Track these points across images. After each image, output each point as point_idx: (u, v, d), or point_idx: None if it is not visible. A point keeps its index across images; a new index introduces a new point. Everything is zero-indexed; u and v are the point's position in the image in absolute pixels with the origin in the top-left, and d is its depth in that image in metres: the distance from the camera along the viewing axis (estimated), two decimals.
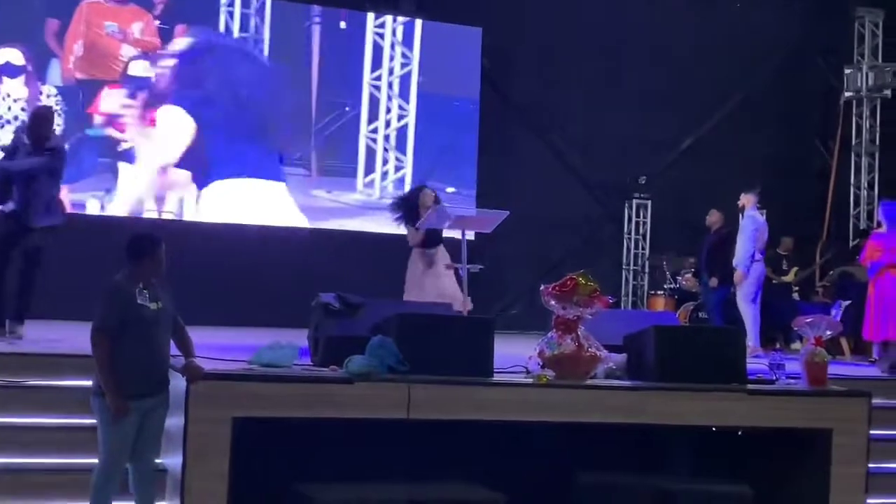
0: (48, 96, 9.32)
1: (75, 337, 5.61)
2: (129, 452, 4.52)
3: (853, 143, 13.35)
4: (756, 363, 6.08)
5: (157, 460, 4.76)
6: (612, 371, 5.43)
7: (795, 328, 5.75)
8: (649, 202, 13.04)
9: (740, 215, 9.96)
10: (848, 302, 9.70)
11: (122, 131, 10.21)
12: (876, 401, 6.03)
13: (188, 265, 8.43)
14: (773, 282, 11.37)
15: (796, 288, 11.53)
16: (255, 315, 9.46)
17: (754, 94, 13.13)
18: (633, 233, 13.12)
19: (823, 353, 5.54)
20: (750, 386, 5.42)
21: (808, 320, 5.61)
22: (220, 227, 10.72)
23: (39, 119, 6.73)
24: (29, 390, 5.33)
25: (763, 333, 10.98)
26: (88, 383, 4.70)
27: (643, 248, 13.13)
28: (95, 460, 4.59)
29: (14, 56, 8.85)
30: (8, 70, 8.96)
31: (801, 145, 13.65)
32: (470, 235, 8.71)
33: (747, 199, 9.78)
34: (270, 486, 4.80)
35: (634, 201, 13.06)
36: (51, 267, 6.83)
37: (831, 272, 11.74)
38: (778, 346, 10.52)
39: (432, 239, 7.80)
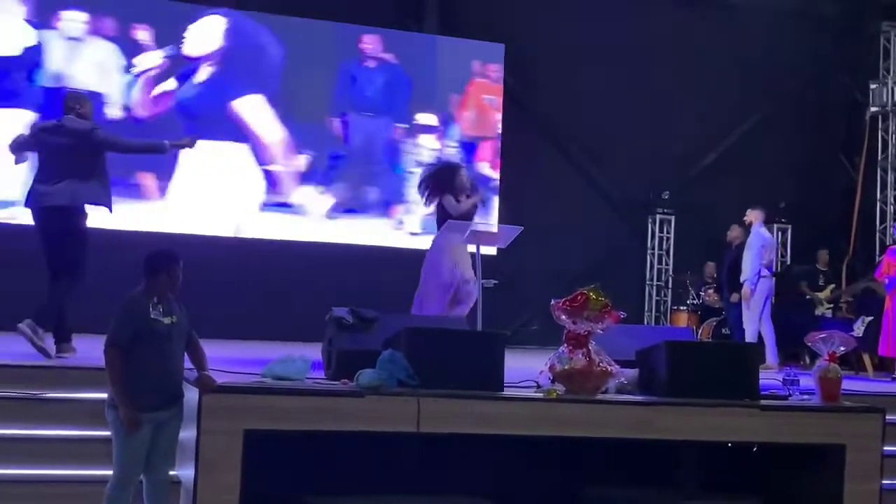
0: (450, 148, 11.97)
1: (91, 349, 5.70)
2: (142, 464, 4.60)
3: (879, 158, 13.26)
4: (770, 379, 6.06)
5: (171, 472, 4.84)
6: (623, 386, 5.43)
7: (809, 344, 5.73)
8: (673, 217, 13.04)
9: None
10: (871, 318, 9.70)
11: None
12: (892, 417, 6.01)
13: (202, 278, 8.54)
14: (808, 297, 11.30)
15: (830, 305, 11.42)
16: (269, 328, 9.57)
17: (779, 109, 13.11)
18: (656, 248, 13.12)
19: (837, 369, 5.53)
20: (762, 401, 5.41)
21: (821, 336, 5.60)
22: (236, 241, 10.86)
23: (81, 99, 6.86)
24: (44, 402, 5.42)
25: (785, 349, 10.95)
26: (102, 396, 4.78)
27: (666, 264, 13.11)
28: (109, 472, 4.67)
29: (431, 119, 11.91)
30: (426, 129, 11.90)
31: (826, 161, 13.60)
32: (491, 250, 8.77)
33: (754, 216, 9.81)
34: (281, 499, 4.84)
35: (658, 216, 13.06)
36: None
37: (855, 287, 11.66)
38: (802, 362, 10.56)
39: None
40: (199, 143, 7.25)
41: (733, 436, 5.33)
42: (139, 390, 4.53)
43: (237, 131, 11.21)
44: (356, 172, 11.72)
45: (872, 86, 13.14)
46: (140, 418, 4.52)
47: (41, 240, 6.56)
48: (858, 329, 9.69)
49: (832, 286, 11.40)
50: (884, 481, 5.45)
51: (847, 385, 5.92)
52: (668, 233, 13.10)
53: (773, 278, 10.15)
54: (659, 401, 5.25)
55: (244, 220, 11.11)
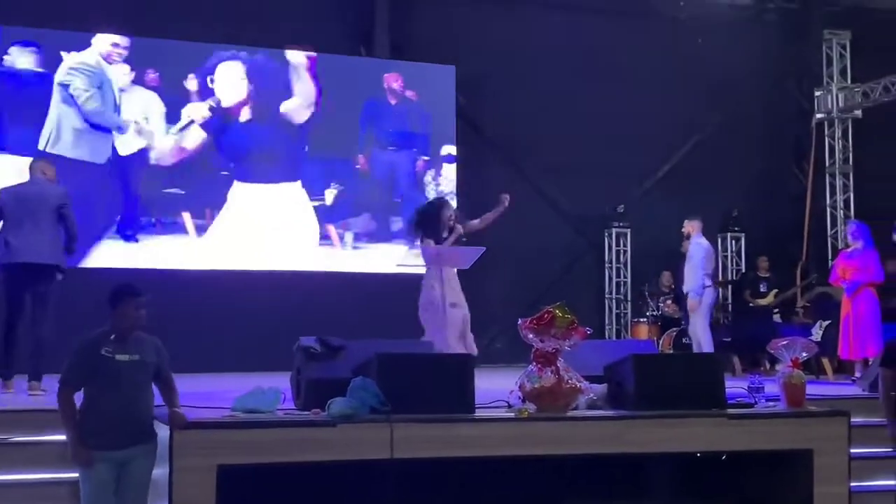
0: None
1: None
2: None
3: (827, 164, 13.53)
4: (735, 387, 6.14)
5: None
6: (593, 402, 5.47)
7: (771, 351, 5.82)
8: (629, 231, 13.17)
9: (686, 242, 10.06)
10: (828, 322, 9.86)
11: None
12: (856, 419, 6.10)
13: (169, 312, 8.50)
14: (751, 304, 11.48)
15: (776, 310, 11.63)
16: (238, 360, 9.51)
17: (729, 119, 13.33)
18: (613, 262, 13.24)
19: (800, 375, 5.62)
20: (730, 410, 5.48)
21: (783, 343, 5.69)
22: (201, 273, 10.83)
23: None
24: (11, 446, 5.34)
25: (745, 356, 11.10)
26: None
27: (625, 277, 13.24)
28: None
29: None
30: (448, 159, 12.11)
31: (776, 168, 13.85)
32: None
33: (692, 227, 9.90)
34: None
35: (614, 230, 13.19)
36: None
37: (810, 293, 11.86)
38: (762, 368, 10.70)
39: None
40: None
41: (703, 445, 5.39)
42: (95, 429, 4.51)
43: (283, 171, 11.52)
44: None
45: (817, 93, 13.42)
46: (89, 456, 4.48)
47: None
48: (817, 333, 9.85)
49: (775, 291, 11.57)
50: (852, 483, 5.54)
51: (809, 389, 6.02)
52: (624, 246, 13.24)
53: (716, 288, 10.27)
54: (628, 414, 5.30)
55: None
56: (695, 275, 9.65)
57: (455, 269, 7.58)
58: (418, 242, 7.68)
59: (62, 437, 5.09)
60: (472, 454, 4.94)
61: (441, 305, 7.32)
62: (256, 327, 10.28)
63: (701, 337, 9.61)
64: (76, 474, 4.66)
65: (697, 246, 9.81)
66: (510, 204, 7.93)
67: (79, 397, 4.64)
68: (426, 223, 7.73)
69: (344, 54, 11.99)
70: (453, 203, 7.74)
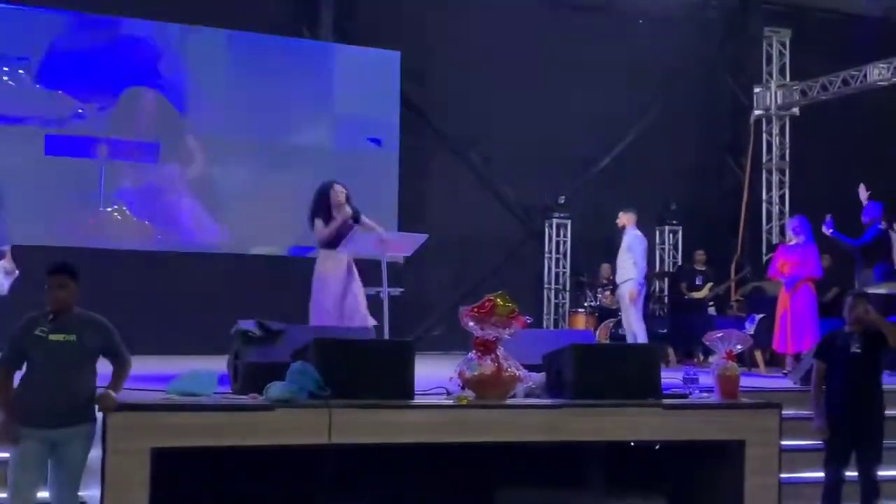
0: None
1: None
2: (34, 484, 4.48)
3: (764, 160, 13.77)
4: (670, 378, 6.23)
5: (80, 493, 4.71)
6: (531, 390, 5.52)
7: (707, 343, 5.92)
8: (569, 221, 13.27)
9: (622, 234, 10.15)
10: (761, 315, 10.04)
11: None
12: (787, 412, 6.23)
13: (109, 292, 8.38)
14: (686, 297, 11.66)
15: (711, 303, 11.82)
16: (175, 343, 9.39)
17: (668, 112, 13.48)
18: (553, 252, 13.33)
19: (734, 367, 5.72)
20: (665, 400, 5.56)
21: (718, 335, 5.78)
22: (141, 253, 10.70)
23: None
24: None
25: (680, 348, 11.28)
26: None
27: (564, 267, 13.34)
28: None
29: None
30: None
31: (714, 163, 14.05)
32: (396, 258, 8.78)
33: (627, 218, 9.97)
34: None
35: (554, 220, 13.28)
36: None
37: (745, 287, 12.07)
38: (696, 360, 10.88)
39: (339, 237, 7.58)
40: None
41: (638, 435, 5.47)
42: (26, 406, 4.45)
43: None
44: None
45: (756, 90, 13.64)
46: (16, 432, 4.43)
47: None
48: (750, 327, 10.02)
49: (710, 284, 11.76)
50: (782, 475, 5.65)
51: (742, 382, 6.13)
52: (564, 236, 13.34)
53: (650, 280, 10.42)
54: (566, 403, 5.34)
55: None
56: (639, 265, 9.71)
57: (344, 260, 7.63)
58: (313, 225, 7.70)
59: None
60: (411, 440, 4.94)
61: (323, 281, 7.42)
62: (194, 309, 10.17)
63: (636, 327, 9.70)
64: (5, 455, 4.57)
65: (636, 237, 9.89)
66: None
67: None
68: (316, 207, 7.71)
69: (291, 37, 11.87)
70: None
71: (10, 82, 10.64)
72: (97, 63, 10.98)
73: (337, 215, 7.50)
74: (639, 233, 9.95)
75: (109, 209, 10.87)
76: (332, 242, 7.51)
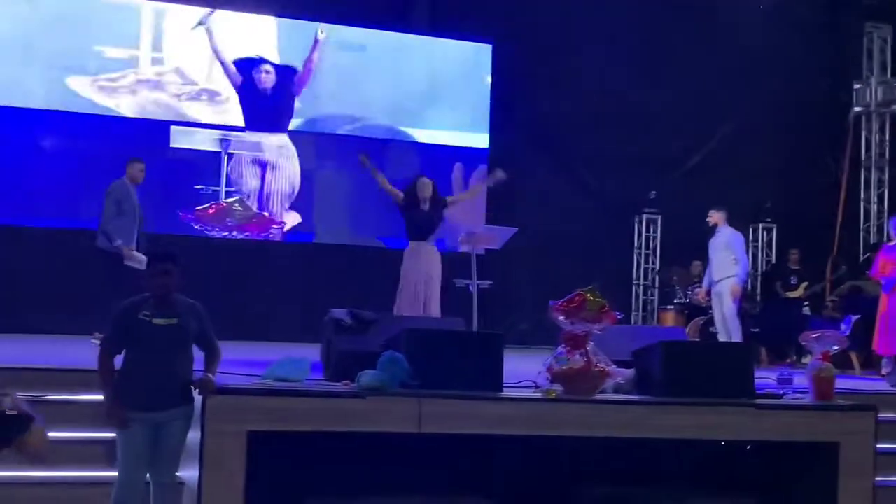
0: None
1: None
2: (144, 466, 4.64)
3: (863, 158, 13.42)
4: (764, 378, 6.15)
5: (178, 474, 4.87)
6: (620, 386, 5.50)
7: (803, 343, 5.82)
8: (659, 217, 13.14)
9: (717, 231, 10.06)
10: (857, 316, 9.82)
11: None
12: (884, 415, 6.10)
13: (202, 279, 8.62)
14: (781, 297, 11.46)
15: (806, 303, 11.60)
16: (271, 330, 9.61)
17: (764, 109, 13.22)
18: (643, 248, 13.22)
19: (830, 368, 5.61)
20: (758, 400, 5.49)
21: (814, 335, 5.68)
22: (240, 242, 10.96)
23: None
24: (45, 404, 5.44)
25: (773, 348, 11.09)
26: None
27: (653, 263, 13.21)
28: (110, 473, 4.71)
29: None
30: None
31: (811, 161, 13.73)
32: (479, 251, 8.83)
33: (718, 217, 9.96)
34: (285, 499, 4.88)
35: (644, 216, 13.16)
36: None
37: (841, 286, 11.80)
38: (790, 360, 10.69)
39: (425, 230, 7.82)
40: None
41: (729, 434, 5.41)
42: (131, 390, 4.60)
43: None
44: None
45: (856, 86, 13.30)
46: (124, 416, 4.58)
47: None
48: (846, 328, 9.79)
49: (805, 284, 11.55)
50: (877, 478, 5.54)
51: (836, 383, 6.02)
52: (654, 232, 13.21)
53: None
54: (655, 400, 5.32)
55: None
56: (735, 262, 9.75)
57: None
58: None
59: (97, 397, 5.20)
60: (499, 432, 4.98)
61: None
62: (289, 297, 10.37)
63: (731, 326, 9.63)
64: (112, 434, 4.75)
65: (735, 234, 9.92)
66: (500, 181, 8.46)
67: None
68: (406, 202, 7.97)
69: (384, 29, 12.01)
70: None
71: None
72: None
73: (422, 206, 7.65)
74: (732, 230, 9.92)
75: (230, 199, 11.13)
76: (420, 234, 7.64)
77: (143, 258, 7.54)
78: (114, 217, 8.12)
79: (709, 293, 10.18)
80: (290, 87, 11.55)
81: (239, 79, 11.31)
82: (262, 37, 11.54)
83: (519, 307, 12.09)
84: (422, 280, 7.64)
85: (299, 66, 11.56)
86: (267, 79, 11.38)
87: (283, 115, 11.50)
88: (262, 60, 11.42)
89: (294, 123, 11.55)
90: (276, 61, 11.55)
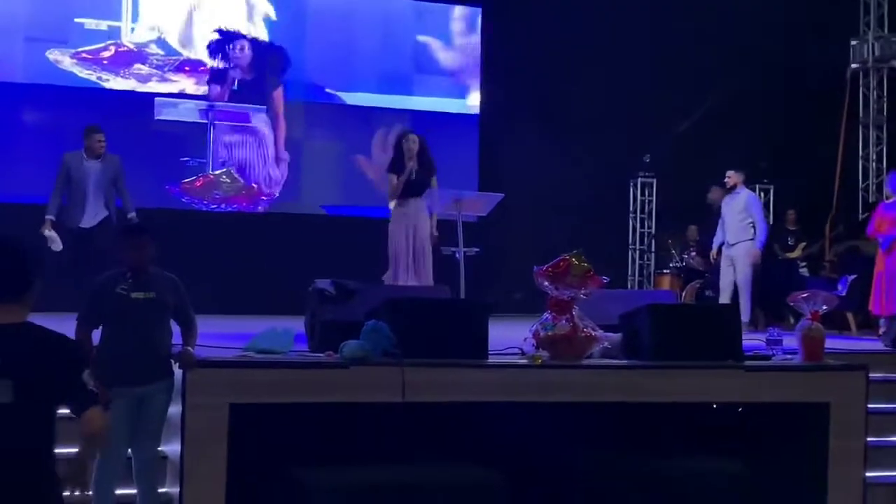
0: None
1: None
2: (124, 440, 4.66)
3: (860, 115, 13.36)
4: (753, 339, 6.17)
5: (160, 448, 4.89)
6: (608, 351, 5.51)
7: (791, 303, 5.83)
8: (654, 180, 13.11)
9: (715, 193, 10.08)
10: (854, 276, 9.79)
11: None
12: (877, 374, 6.13)
13: (185, 252, 8.63)
14: (779, 258, 11.46)
15: (804, 263, 11.60)
16: (252, 302, 9.62)
17: (757, 67, 13.13)
18: (638, 212, 13.20)
19: (819, 328, 5.63)
20: (746, 362, 5.51)
21: (803, 295, 5.69)
22: (217, 214, 10.97)
23: None
24: None
25: (771, 310, 11.09)
26: None
27: (649, 227, 13.21)
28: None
29: None
30: None
31: (807, 120, 13.66)
32: (472, 218, 8.82)
33: (738, 178, 9.95)
34: (268, 471, 4.92)
35: (639, 179, 13.13)
36: None
37: (838, 246, 11.80)
38: (787, 322, 10.69)
39: (411, 189, 7.71)
40: None
41: (718, 397, 5.45)
42: (112, 365, 4.61)
43: None
44: None
45: (852, 42, 13.21)
46: (106, 395, 4.54)
47: None
48: (842, 288, 9.79)
49: (803, 244, 11.55)
50: (869, 438, 5.57)
51: (831, 344, 6.04)
52: (649, 196, 13.19)
53: None
54: (643, 364, 5.34)
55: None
56: (751, 225, 9.84)
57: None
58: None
59: None
60: (483, 399, 5.01)
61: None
62: (270, 269, 10.37)
63: (745, 290, 9.67)
64: None
65: (753, 197, 10.04)
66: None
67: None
68: (393, 158, 7.85)
69: None
70: None
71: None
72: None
73: (409, 164, 7.58)
74: (749, 191, 9.99)
75: (218, 171, 11.11)
76: (406, 191, 7.59)
77: (55, 237, 7.63)
78: (63, 188, 7.97)
79: (719, 253, 10.15)
80: (271, 65, 11.45)
81: (217, 54, 11.22)
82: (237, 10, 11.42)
83: (513, 275, 12.08)
84: (410, 235, 7.55)
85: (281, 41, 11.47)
86: (242, 55, 11.27)
87: (264, 93, 11.43)
88: (238, 35, 11.29)
89: (280, 92, 11.47)
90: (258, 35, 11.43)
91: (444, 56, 12.12)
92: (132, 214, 7.94)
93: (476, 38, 12.25)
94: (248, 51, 11.26)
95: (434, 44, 12.08)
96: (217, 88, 11.16)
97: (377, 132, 11.62)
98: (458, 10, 12.22)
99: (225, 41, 11.20)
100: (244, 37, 11.27)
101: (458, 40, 12.20)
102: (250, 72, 11.30)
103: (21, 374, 2.93)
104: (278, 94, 11.45)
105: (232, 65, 11.22)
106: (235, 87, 11.24)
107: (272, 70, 11.40)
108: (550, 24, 12.25)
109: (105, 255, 6.89)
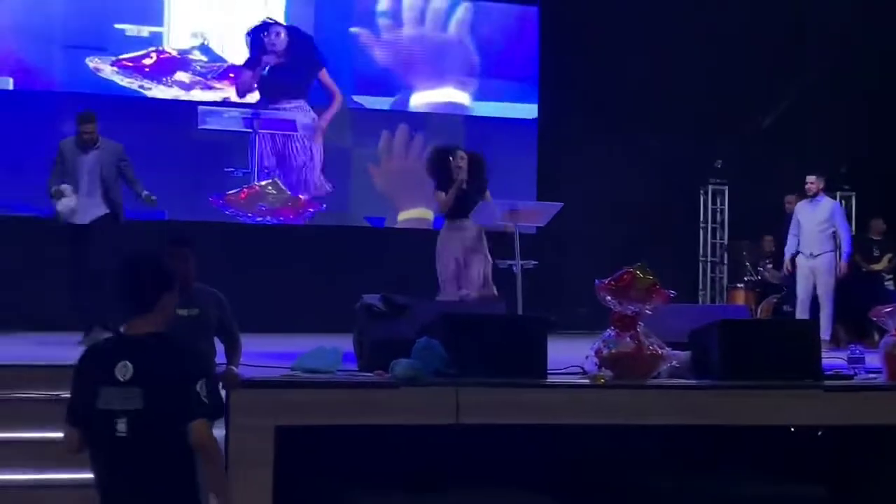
0: None
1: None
2: None
3: None
4: (834, 358, 6.09)
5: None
6: (675, 370, 5.48)
7: (874, 318, 5.75)
8: (726, 188, 13.00)
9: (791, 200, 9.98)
10: None
11: None
12: None
13: (228, 267, 8.77)
14: (863, 270, 11.29)
15: (889, 276, 11.42)
16: (298, 320, 9.71)
17: (839, 68, 12.93)
18: (709, 221, 13.10)
19: None
20: (826, 382, 5.45)
21: (887, 310, 5.62)
22: (262, 227, 11.09)
23: None
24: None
25: (853, 326, 10.93)
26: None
27: (721, 238, 13.09)
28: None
29: None
30: None
31: (890, 121, 13.44)
32: (530, 230, 8.82)
33: (820, 183, 9.85)
34: (316, 495, 4.96)
35: (710, 187, 13.03)
36: None
37: None
38: (871, 339, 10.52)
39: (462, 206, 7.71)
40: None
41: (795, 419, 5.38)
42: None
43: None
44: None
45: None
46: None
47: None
48: None
49: (889, 256, 11.38)
50: None
51: None
52: (721, 204, 13.08)
53: None
54: (714, 384, 5.30)
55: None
56: (847, 234, 9.90)
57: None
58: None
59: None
60: (543, 421, 5.00)
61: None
62: (317, 284, 10.47)
63: (827, 303, 9.59)
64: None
65: (837, 205, 10.04)
66: None
67: None
68: (435, 174, 7.83)
69: None
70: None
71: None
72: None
73: (458, 180, 7.62)
74: (833, 199, 9.96)
75: (264, 182, 11.25)
76: (456, 212, 7.63)
77: (71, 200, 7.57)
78: (59, 177, 7.82)
79: (794, 264, 10.05)
80: (311, 55, 11.54)
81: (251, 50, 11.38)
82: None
83: (575, 290, 12.03)
84: (459, 257, 7.59)
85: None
86: (278, 41, 11.37)
87: (302, 82, 11.51)
88: (272, 23, 11.41)
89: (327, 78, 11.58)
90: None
91: (501, 57, 12.15)
92: (146, 192, 7.85)
93: (535, 38, 12.25)
94: (284, 37, 11.36)
95: (490, 45, 12.12)
96: (256, 88, 11.30)
97: (381, 136, 11.67)
98: (516, 9, 12.23)
99: (261, 29, 11.34)
100: (281, 25, 11.40)
101: (515, 41, 12.22)
102: (286, 57, 11.39)
103: (149, 383, 3.29)
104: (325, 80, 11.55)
105: (268, 51, 11.33)
106: (269, 74, 11.33)
107: (311, 58, 11.49)
108: (614, 19, 12.22)
109: (105, 257, 6.86)
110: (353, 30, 11.71)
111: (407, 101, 11.84)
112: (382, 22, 11.80)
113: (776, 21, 12.52)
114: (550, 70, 12.34)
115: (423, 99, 11.88)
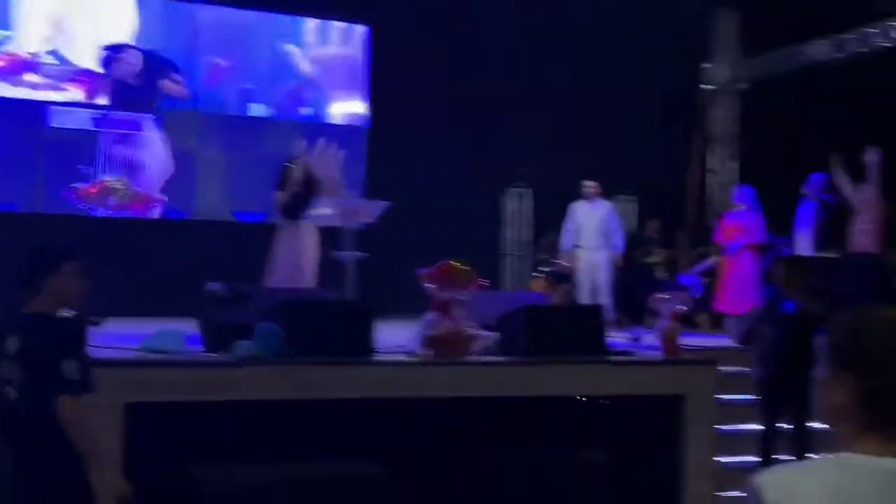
0: None
1: None
2: None
3: (715, 133, 13.89)
4: (618, 337, 6.37)
5: None
6: (488, 349, 5.62)
7: (651, 305, 6.04)
8: (531, 191, 13.33)
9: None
10: (706, 279, 10.23)
11: None
12: (728, 368, 6.38)
13: (89, 259, 8.36)
14: (640, 263, 11.80)
15: (662, 269, 11.97)
16: (146, 306, 9.39)
17: (621, 84, 13.41)
18: (514, 220, 13.44)
19: (677, 327, 5.85)
20: (611, 357, 5.69)
21: (662, 297, 5.91)
22: (112, 220, 10.70)
23: None
24: None
25: (633, 310, 11.43)
26: None
27: (523, 234, 13.45)
28: None
29: None
30: None
31: (666, 135, 14.07)
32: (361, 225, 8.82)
33: (598, 188, 10.31)
34: (164, 469, 4.81)
35: (515, 190, 13.35)
36: None
37: (691, 252, 12.24)
38: (646, 323, 11.02)
39: (298, 206, 7.73)
40: None
41: (587, 390, 5.60)
42: None
43: None
44: None
45: (707, 64, 13.72)
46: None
47: None
48: (695, 290, 10.19)
49: (661, 251, 11.97)
50: (720, 426, 5.80)
51: (687, 341, 6.27)
52: (523, 205, 13.43)
53: None
54: (520, 361, 5.45)
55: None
56: (620, 231, 10.33)
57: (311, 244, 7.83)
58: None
59: None
60: (372, 395, 5.03)
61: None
62: (164, 273, 10.15)
63: (608, 291, 9.98)
64: None
65: (611, 207, 10.45)
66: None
67: None
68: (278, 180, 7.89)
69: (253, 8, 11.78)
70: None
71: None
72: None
73: (292, 187, 7.63)
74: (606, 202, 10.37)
75: (110, 178, 10.78)
76: (291, 213, 7.62)
77: None
78: None
79: (575, 257, 10.41)
80: (161, 72, 11.19)
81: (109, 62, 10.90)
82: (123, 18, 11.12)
83: (403, 278, 12.09)
84: (296, 258, 7.59)
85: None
86: (134, 64, 10.99)
87: (151, 96, 11.16)
88: (126, 46, 11.01)
89: (177, 90, 11.22)
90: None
91: (334, 69, 12.10)
92: None
93: (365, 54, 12.25)
94: (137, 59, 10.97)
95: (324, 56, 12.04)
96: (107, 97, 10.85)
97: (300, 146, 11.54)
98: (344, 27, 12.20)
99: (116, 49, 10.90)
100: (134, 47, 10.99)
101: (346, 54, 12.19)
102: (139, 79, 11.01)
103: (26, 357, 3.38)
104: (172, 94, 11.21)
105: (122, 73, 10.93)
106: (125, 94, 10.94)
107: (160, 77, 11.13)
108: (434, 30, 12.31)
109: None
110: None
111: (249, 106, 11.65)
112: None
113: (569, 42, 12.76)
114: (382, 82, 12.36)
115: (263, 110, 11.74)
